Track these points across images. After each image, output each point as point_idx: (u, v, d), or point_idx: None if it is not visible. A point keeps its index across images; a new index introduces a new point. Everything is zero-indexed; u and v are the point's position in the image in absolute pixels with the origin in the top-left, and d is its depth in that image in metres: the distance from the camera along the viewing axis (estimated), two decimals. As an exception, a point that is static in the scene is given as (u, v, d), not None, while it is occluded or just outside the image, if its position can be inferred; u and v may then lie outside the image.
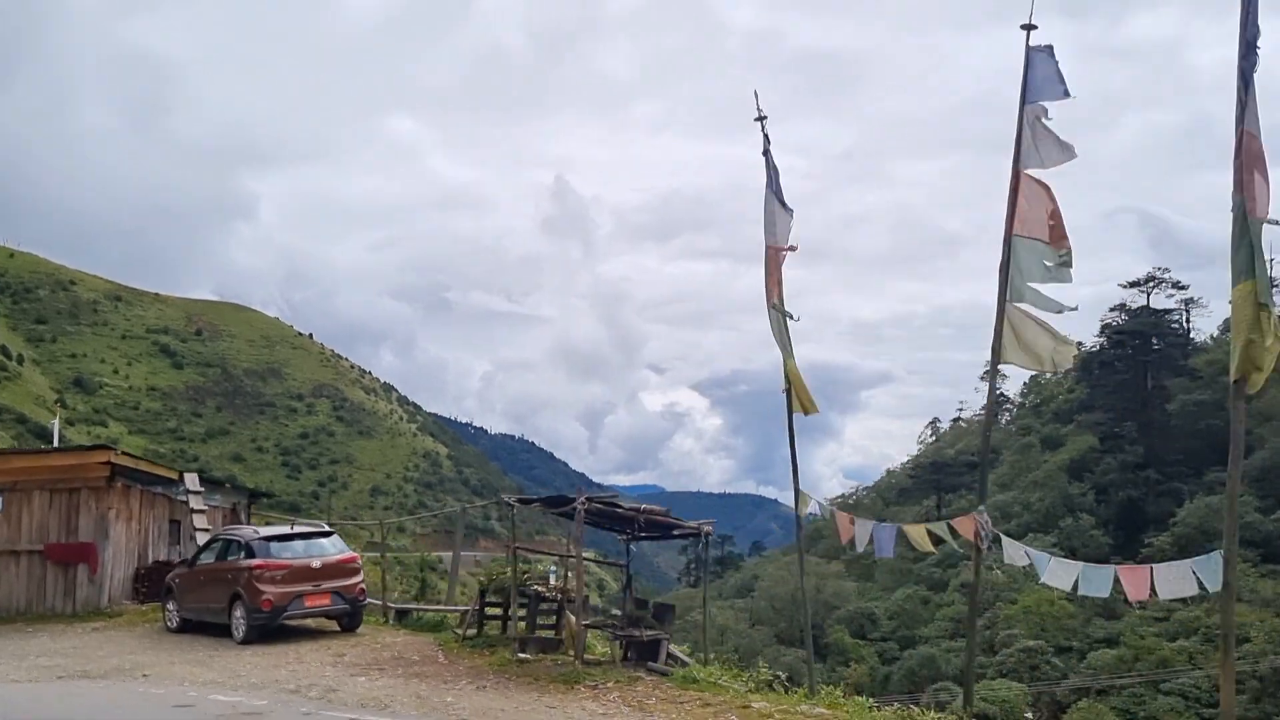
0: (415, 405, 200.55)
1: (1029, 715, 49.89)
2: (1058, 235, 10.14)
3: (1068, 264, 10.25)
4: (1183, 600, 65.38)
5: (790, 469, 12.36)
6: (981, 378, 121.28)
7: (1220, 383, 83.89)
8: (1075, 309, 10.51)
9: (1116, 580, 9.47)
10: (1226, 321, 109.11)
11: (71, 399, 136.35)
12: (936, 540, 10.82)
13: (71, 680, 14.31)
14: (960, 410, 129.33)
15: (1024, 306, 10.42)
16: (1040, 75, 10.20)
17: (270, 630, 16.95)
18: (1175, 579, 9.19)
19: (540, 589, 14.82)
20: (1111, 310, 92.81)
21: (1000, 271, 10.38)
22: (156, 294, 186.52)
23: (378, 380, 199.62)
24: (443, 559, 62.92)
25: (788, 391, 11.16)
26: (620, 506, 12.93)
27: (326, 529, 18.43)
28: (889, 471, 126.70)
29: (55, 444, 35.80)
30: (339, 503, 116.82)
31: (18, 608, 20.83)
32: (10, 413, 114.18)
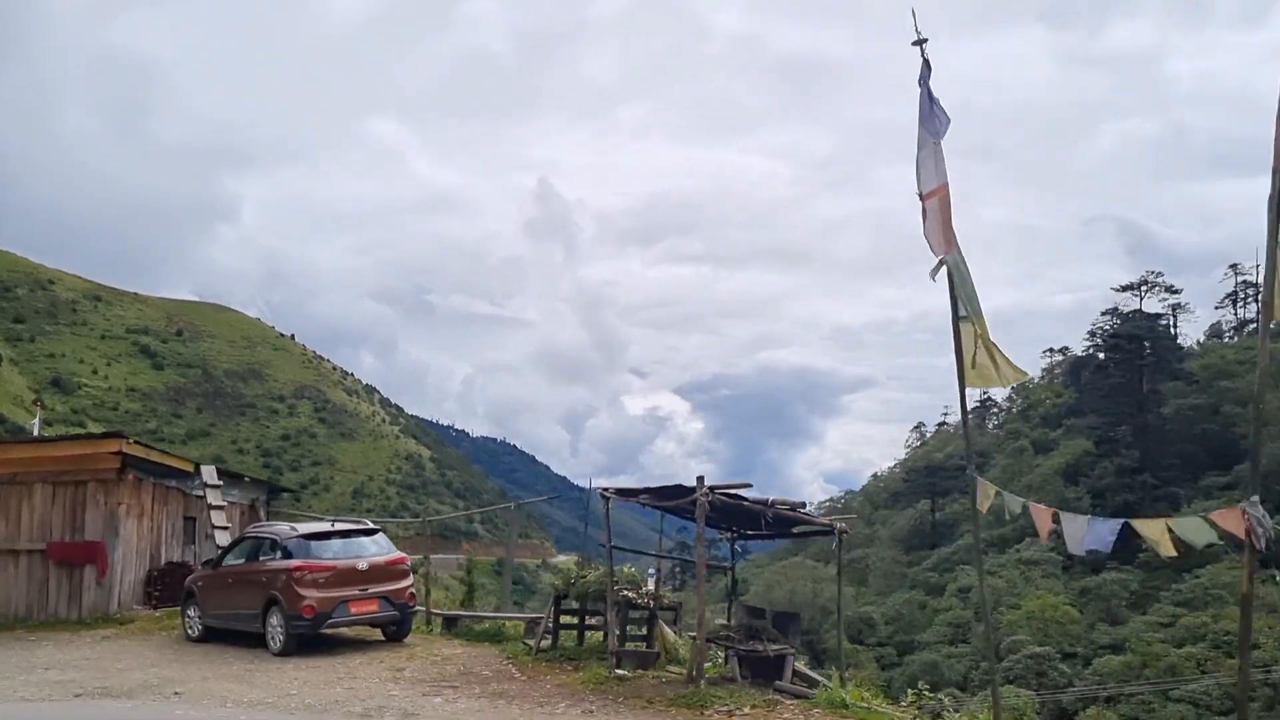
0: (398, 407, 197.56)
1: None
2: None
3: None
4: (1188, 605, 64.41)
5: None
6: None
7: (1215, 387, 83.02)
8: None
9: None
10: (1213, 326, 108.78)
11: (49, 399, 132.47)
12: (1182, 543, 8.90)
13: (92, 699, 12.18)
14: (945, 415, 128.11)
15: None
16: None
17: (309, 640, 14.89)
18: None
19: (630, 595, 12.83)
20: (1104, 314, 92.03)
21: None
22: (136, 294, 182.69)
23: (360, 382, 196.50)
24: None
25: (959, 360, 9.25)
26: (746, 499, 10.97)
27: (371, 526, 16.34)
28: (875, 476, 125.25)
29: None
30: (319, 506, 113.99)
31: (17, 613, 18.59)
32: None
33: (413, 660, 14.01)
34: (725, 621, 13.45)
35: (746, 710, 9.94)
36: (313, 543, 15.11)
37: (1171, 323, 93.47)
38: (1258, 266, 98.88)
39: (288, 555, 15.02)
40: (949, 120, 9.78)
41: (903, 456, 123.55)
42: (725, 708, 10.03)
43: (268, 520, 21.63)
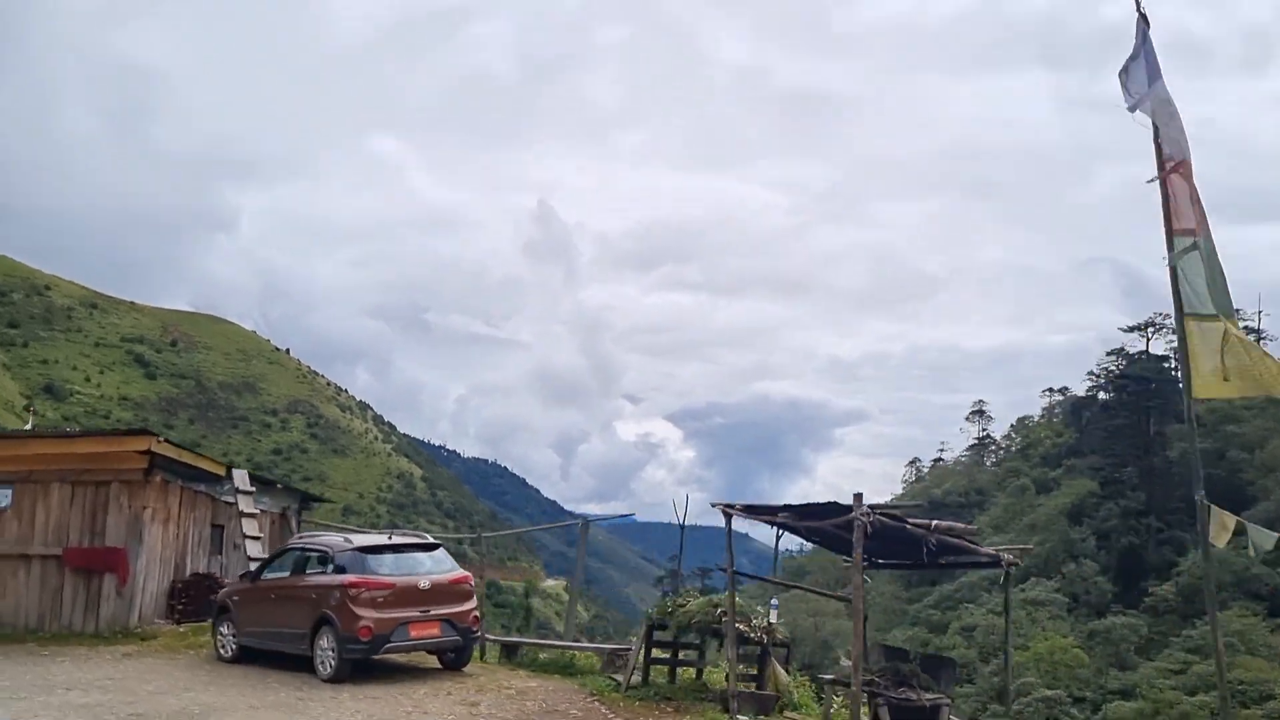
0: (390, 425, 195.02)
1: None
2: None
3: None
4: (1198, 652, 62.76)
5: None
6: (967, 419, 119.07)
7: (1221, 431, 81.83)
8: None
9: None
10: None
11: (41, 405, 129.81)
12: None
13: (126, 728, 10.51)
14: (941, 451, 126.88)
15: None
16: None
17: (360, 666, 13.18)
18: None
19: (742, 628, 11.19)
20: (1109, 354, 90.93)
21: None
22: (132, 302, 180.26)
23: (353, 398, 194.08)
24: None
25: (1185, 366, 7.79)
26: (910, 522, 9.38)
27: (432, 541, 14.65)
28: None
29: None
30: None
31: (27, 624, 16.78)
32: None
33: (483, 693, 12.32)
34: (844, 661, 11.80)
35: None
36: (369, 557, 13.42)
37: (1173, 365, 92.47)
38: (1260, 312, 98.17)
39: (340, 570, 13.33)
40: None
41: (899, 491, 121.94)
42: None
43: (299, 530, 19.90)
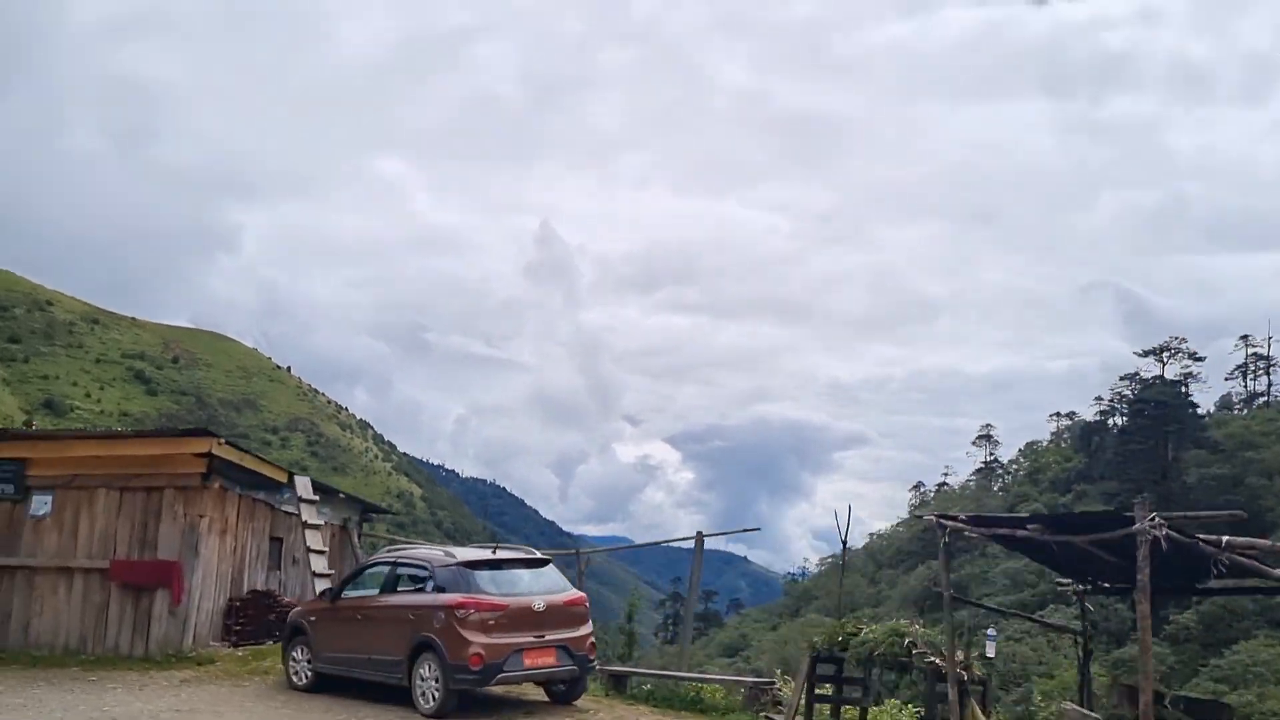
0: (390, 444, 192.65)
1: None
2: None
3: None
4: (1227, 682, 60.84)
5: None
6: (974, 443, 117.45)
7: (1239, 457, 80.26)
8: None
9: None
10: (1223, 398, 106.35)
11: (41, 421, 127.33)
12: None
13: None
14: (946, 475, 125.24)
15: None
16: None
17: (465, 700, 11.32)
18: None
19: (937, 663, 9.38)
20: (1122, 379, 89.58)
21: None
22: (134, 318, 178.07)
23: (354, 416, 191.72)
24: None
25: None
26: (1200, 537, 7.60)
27: (540, 556, 12.80)
28: (876, 534, 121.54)
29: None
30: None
31: (67, 644, 14.85)
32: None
33: (617, 734, 10.48)
34: (1077, 705, 10.01)
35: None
36: (476, 573, 11.56)
37: (1189, 390, 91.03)
38: (1270, 338, 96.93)
39: (442, 588, 11.49)
40: None
41: (905, 516, 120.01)
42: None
43: (360, 543, 18.03)
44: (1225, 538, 7.82)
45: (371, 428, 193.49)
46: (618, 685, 13.31)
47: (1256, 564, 8.10)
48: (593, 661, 12.08)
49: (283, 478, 16.21)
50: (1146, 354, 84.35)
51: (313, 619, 12.99)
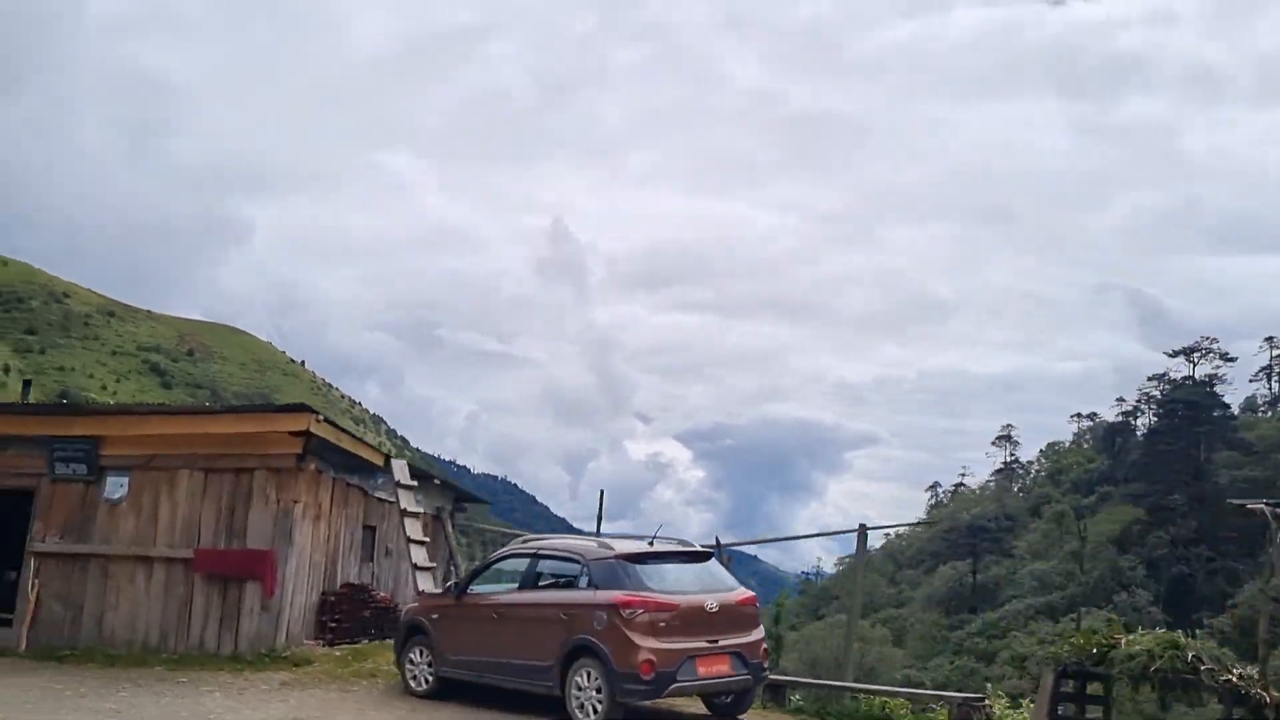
0: (403, 439, 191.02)
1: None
2: None
3: None
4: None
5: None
6: (993, 443, 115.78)
7: (1272, 459, 78.52)
8: None
9: None
10: (1248, 400, 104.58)
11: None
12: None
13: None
14: (963, 475, 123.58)
15: None
16: None
17: (632, 713, 9.70)
18: None
19: (1235, 682, 7.77)
20: (1150, 379, 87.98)
21: None
22: (149, 311, 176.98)
23: (367, 411, 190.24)
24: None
25: None
26: None
27: (702, 550, 11.21)
28: (894, 535, 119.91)
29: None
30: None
31: (146, 641, 13.26)
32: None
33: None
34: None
35: None
36: (640, 567, 9.95)
37: (1222, 391, 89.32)
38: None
39: (601, 584, 9.89)
40: None
41: (923, 516, 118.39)
42: None
43: (455, 533, 16.43)
44: None
45: (384, 422, 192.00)
46: (776, 697, 11.72)
47: None
48: (766, 670, 10.49)
49: (379, 460, 14.61)
50: (1176, 354, 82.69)
51: (434, 617, 11.39)
